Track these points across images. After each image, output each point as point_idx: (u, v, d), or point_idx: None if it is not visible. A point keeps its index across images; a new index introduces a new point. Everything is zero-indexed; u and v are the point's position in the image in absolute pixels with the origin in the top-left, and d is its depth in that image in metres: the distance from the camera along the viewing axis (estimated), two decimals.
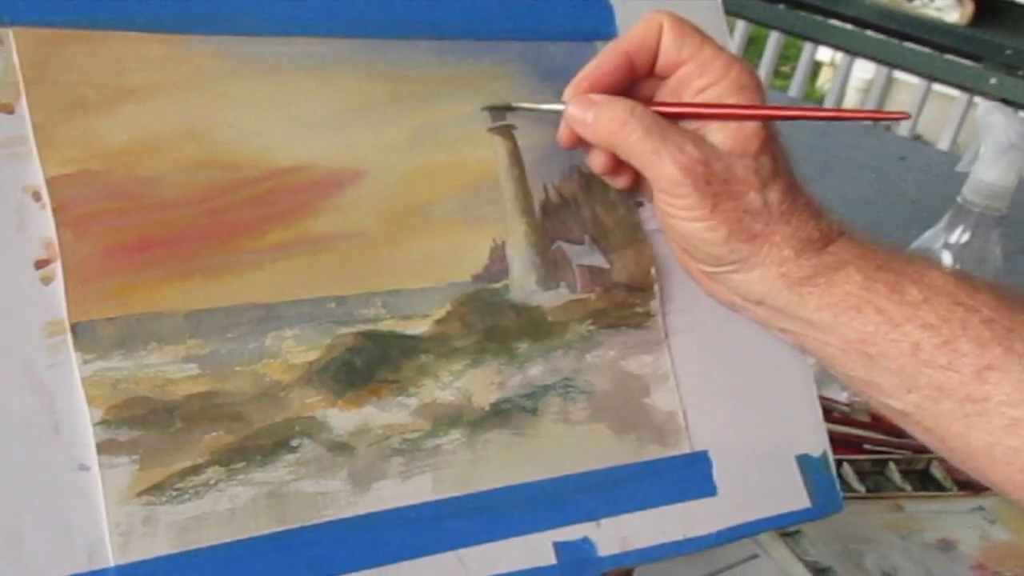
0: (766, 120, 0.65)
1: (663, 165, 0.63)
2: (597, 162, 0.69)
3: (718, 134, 0.64)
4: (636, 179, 0.69)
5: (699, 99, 0.66)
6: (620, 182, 0.70)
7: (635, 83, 0.68)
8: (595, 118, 0.65)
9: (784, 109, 0.65)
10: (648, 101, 0.67)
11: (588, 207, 0.71)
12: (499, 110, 0.69)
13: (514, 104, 0.69)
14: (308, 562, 0.58)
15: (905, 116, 0.71)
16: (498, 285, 0.67)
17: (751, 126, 0.64)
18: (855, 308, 0.63)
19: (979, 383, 0.60)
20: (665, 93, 0.68)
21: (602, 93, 0.66)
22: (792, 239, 0.65)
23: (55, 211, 0.54)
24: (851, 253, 0.65)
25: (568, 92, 0.67)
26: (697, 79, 0.66)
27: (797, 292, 0.65)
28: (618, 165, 0.68)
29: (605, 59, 0.67)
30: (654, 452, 0.70)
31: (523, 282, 0.68)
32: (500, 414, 0.65)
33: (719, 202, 0.63)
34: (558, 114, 0.68)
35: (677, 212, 0.65)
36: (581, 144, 0.68)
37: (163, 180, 0.58)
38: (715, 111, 0.65)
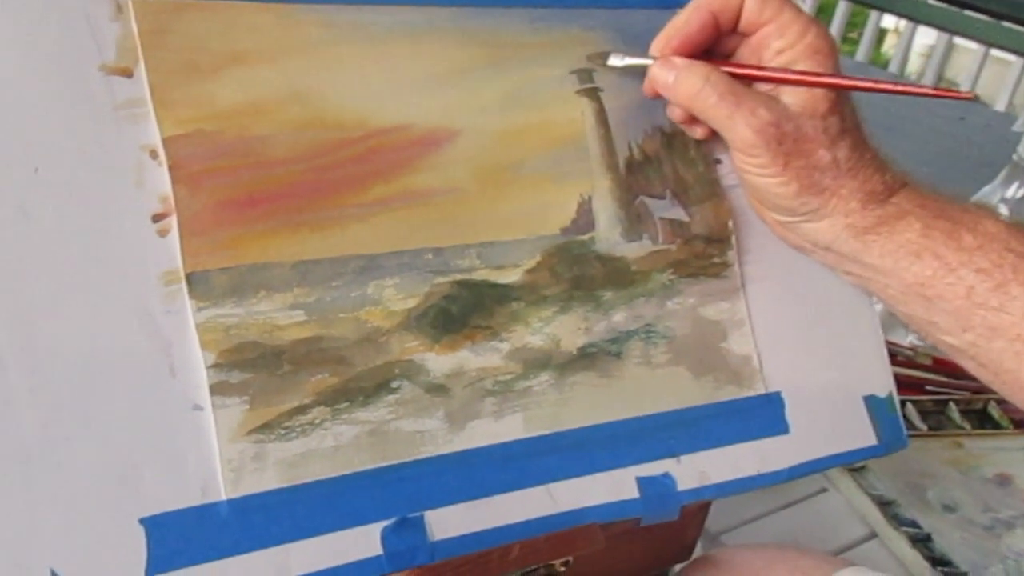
0: (832, 88, 0.64)
1: (737, 128, 0.63)
2: (677, 115, 0.69)
3: (790, 96, 0.64)
4: (713, 131, 0.68)
5: (777, 60, 0.65)
6: (698, 133, 0.70)
7: (719, 39, 0.67)
8: (675, 82, 0.65)
9: (847, 79, 0.65)
10: (730, 56, 0.67)
11: (669, 164, 0.69)
12: (594, 63, 0.68)
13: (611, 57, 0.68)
14: (407, 496, 0.56)
15: (971, 96, 0.69)
16: (585, 237, 0.65)
17: (820, 90, 0.64)
18: (914, 254, 0.63)
19: None
20: (747, 51, 0.67)
21: (688, 49, 0.66)
22: (858, 192, 0.65)
23: (171, 168, 0.53)
24: (912, 203, 0.65)
25: (655, 46, 0.67)
26: (775, 40, 0.65)
27: (862, 240, 0.65)
28: (695, 118, 0.68)
29: (692, 16, 0.66)
30: (730, 393, 0.68)
31: (608, 234, 0.66)
32: (586, 357, 0.64)
33: (790, 160, 0.63)
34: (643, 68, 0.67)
35: (752, 169, 0.65)
36: (662, 96, 0.67)
37: (271, 139, 0.57)
38: (785, 77, 0.64)
